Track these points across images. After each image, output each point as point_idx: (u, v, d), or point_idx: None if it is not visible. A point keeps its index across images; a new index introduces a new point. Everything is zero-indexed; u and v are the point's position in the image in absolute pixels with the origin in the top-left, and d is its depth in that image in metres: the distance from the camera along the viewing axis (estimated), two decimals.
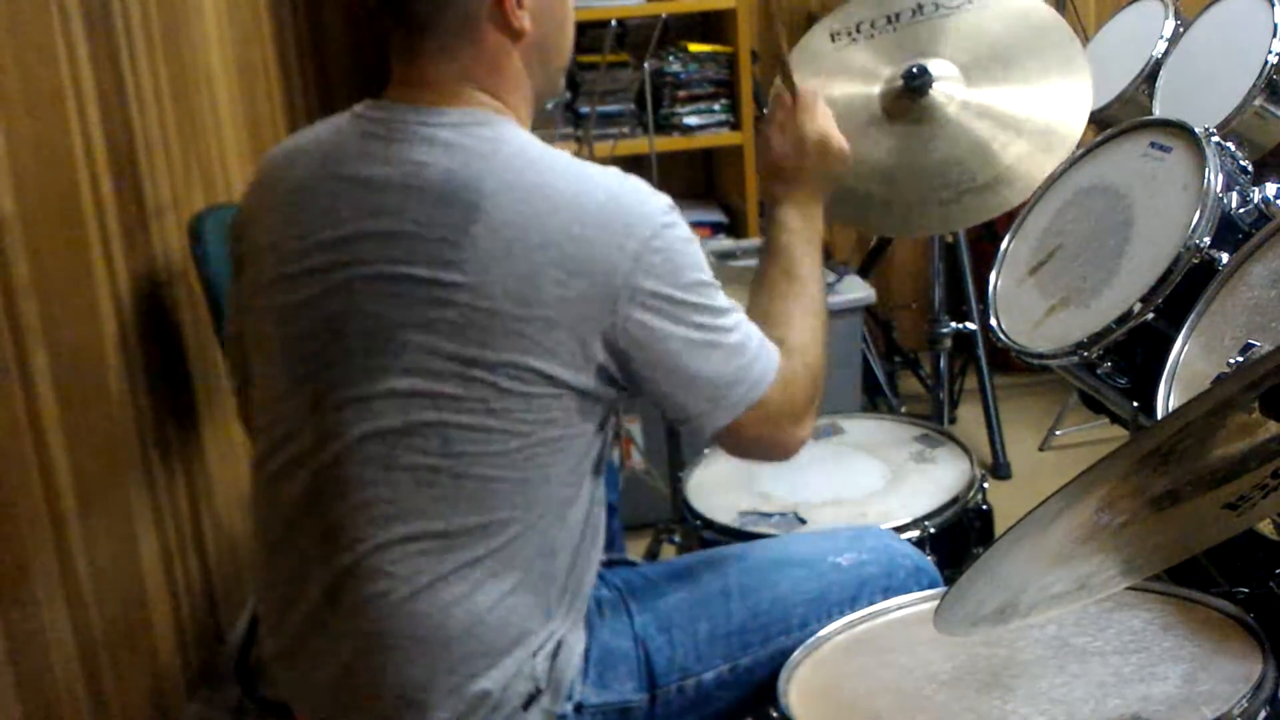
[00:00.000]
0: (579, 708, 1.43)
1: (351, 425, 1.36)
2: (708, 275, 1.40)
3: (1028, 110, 1.99)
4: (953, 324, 3.04)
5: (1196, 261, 1.64)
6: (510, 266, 1.31)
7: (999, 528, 1.90)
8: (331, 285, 1.38)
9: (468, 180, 1.33)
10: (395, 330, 1.34)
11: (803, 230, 1.60)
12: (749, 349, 1.41)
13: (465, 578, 1.35)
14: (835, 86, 2.12)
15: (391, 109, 1.40)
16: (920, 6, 2.15)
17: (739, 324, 1.42)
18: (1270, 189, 1.71)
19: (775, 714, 1.31)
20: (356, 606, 1.37)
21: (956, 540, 1.85)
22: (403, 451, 1.35)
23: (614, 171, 1.39)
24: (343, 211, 1.38)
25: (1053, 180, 1.96)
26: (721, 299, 1.41)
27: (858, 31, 2.18)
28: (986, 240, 3.24)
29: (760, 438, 1.45)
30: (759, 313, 1.51)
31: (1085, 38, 2.96)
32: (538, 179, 1.35)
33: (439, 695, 1.36)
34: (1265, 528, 1.47)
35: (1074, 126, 1.97)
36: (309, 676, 1.44)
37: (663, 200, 1.39)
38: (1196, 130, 1.75)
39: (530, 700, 1.39)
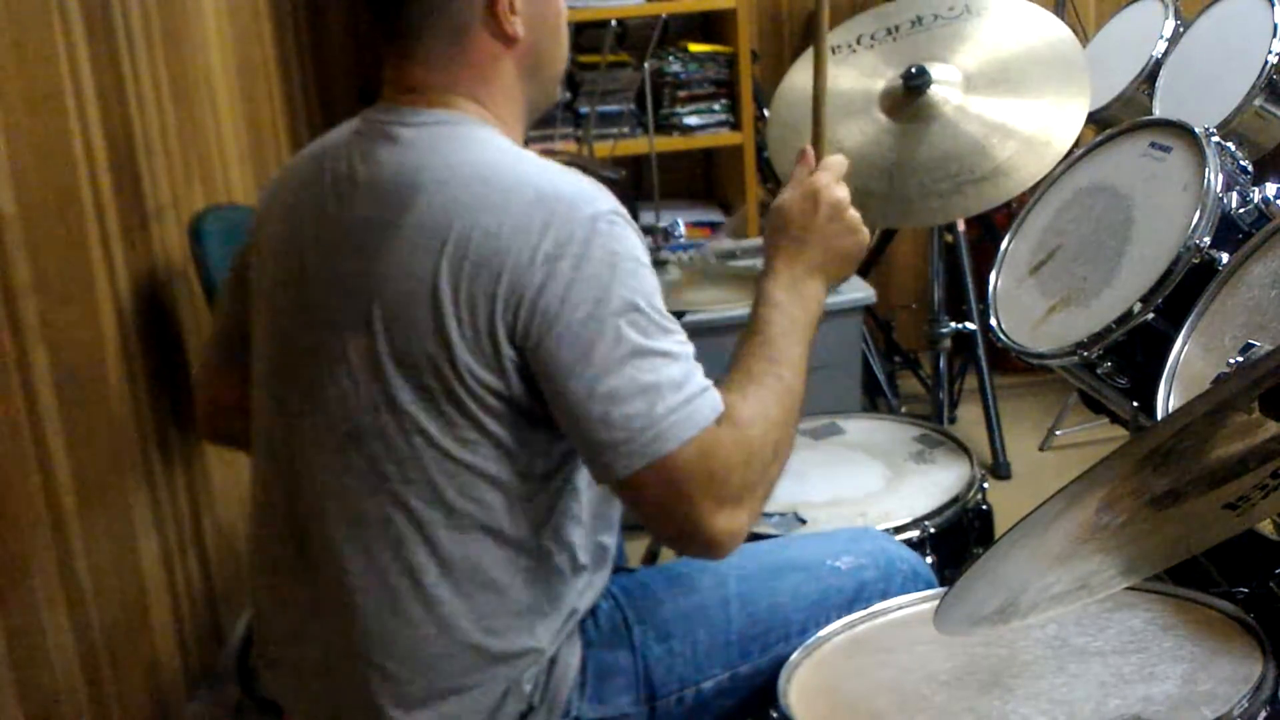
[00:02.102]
0: None
1: (308, 430, 1.35)
2: (645, 304, 1.27)
3: (1021, 120, 2.00)
4: (953, 324, 3.04)
5: (1196, 261, 1.63)
6: (431, 259, 1.28)
7: (999, 528, 1.89)
8: (302, 285, 1.38)
9: (411, 174, 1.32)
10: (337, 329, 1.33)
11: (790, 307, 1.43)
12: (663, 395, 1.25)
13: (434, 595, 1.33)
14: (836, 85, 2.13)
15: (380, 110, 1.40)
16: (919, 18, 2.17)
17: (662, 369, 1.26)
18: (1270, 189, 1.71)
19: (775, 714, 1.31)
20: (336, 621, 1.36)
21: (956, 540, 1.85)
22: (352, 457, 1.33)
23: (564, 173, 1.32)
24: (316, 212, 1.39)
25: (1053, 180, 1.96)
26: (655, 337, 1.27)
27: (858, 43, 2.19)
28: (986, 240, 3.24)
29: (665, 506, 1.27)
30: (720, 379, 1.36)
31: (1085, 38, 2.97)
32: (474, 173, 1.31)
33: (421, 711, 1.35)
34: (1265, 528, 1.47)
35: (1066, 135, 1.98)
36: (298, 685, 1.44)
37: (605, 207, 1.29)
38: (1196, 130, 1.75)
39: (523, 718, 1.37)
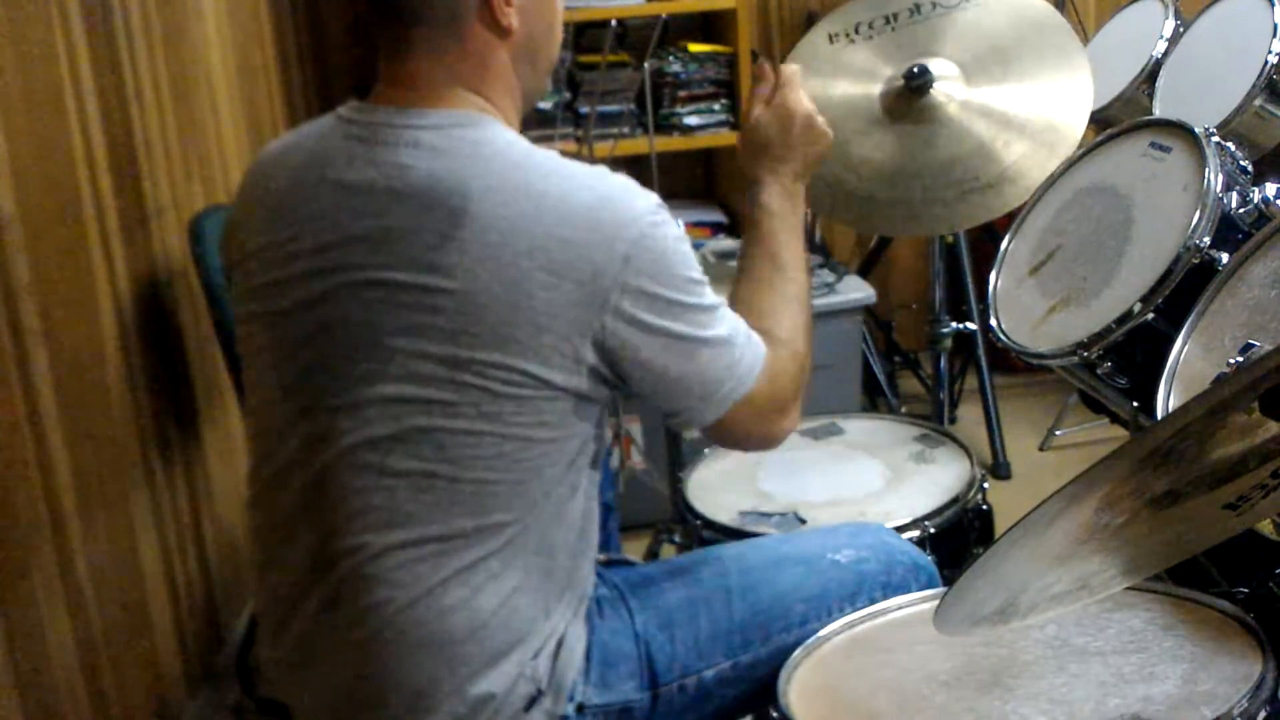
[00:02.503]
0: (581, 708, 1.43)
1: (343, 433, 1.36)
2: (697, 272, 1.39)
3: (1028, 108, 1.99)
4: (953, 324, 3.04)
5: (1196, 261, 1.64)
6: (497, 270, 1.30)
7: (999, 528, 1.89)
8: (318, 291, 1.37)
9: (453, 183, 1.32)
10: (384, 336, 1.33)
11: (787, 214, 1.59)
12: (736, 345, 1.41)
13: (465, 582, 1.35)
14: (836, 87, 2.13)
15: (375, 111, 1.40)
16: (918, 6, 2.15)
17: (725, 319, 1.41)
18: (1270, 189, 1.71)
19: (775, 714, 1.31)
20: (357, 615, 1.37)
21: (956, 540, 1.85)
22: (396, 458, 1.34)
23: (600, 171, 1.38)
24: (327, 216, 1.37)
25: (1053, 180, 1.96)
26: (709, 295, 1.40)
27: (855, 33, 2.18)
28: (986, 240, 3.24)
29: (749, 431, 1.45)
30: (744, 303, 1.51)
31: (1085, 38, 2.96)
32: (523, 180, 1.33)
33: (441, 699, 1.36)
34: (1265, 528, 1.47)
35: (1075, 124, 1.97)
36: (311, 683, 1.44)
37: (650, 199, 1.37)
38: (1196, 130, 1.75)
39: (532, 702, 1.39)
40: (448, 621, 1.35)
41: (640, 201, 1.36)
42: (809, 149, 1.64)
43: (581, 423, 1.39)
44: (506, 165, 1.35)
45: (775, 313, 1.51)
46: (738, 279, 1.56)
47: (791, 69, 1.66)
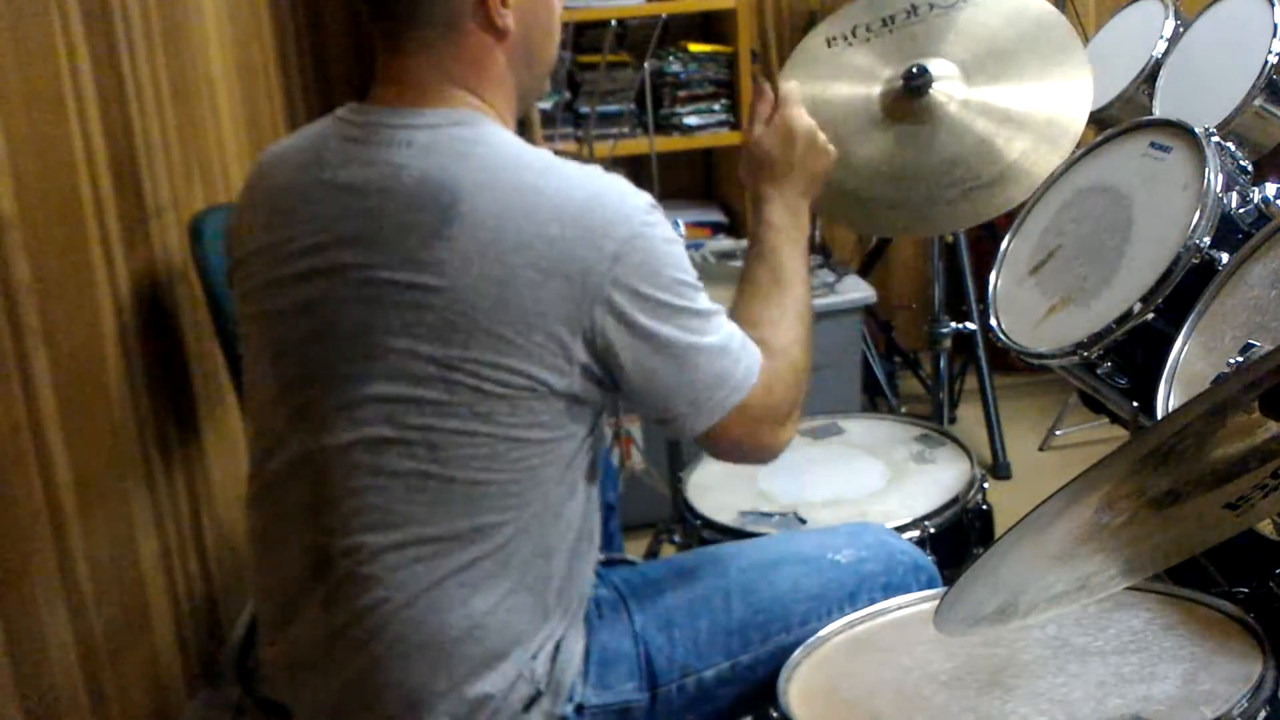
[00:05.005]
0: (580, 709, 1.43)
1: (338, 433, 1.36)
2: (690, 277, 1.38)
3: (1028, 105, 1.99)
4: (953, 324, 3.04)
5: (1196, 261, 1.64)
6: (487, 268, 1.30)
7: (999, 528, 1.90)
8: (314, 291, 1.37)
9: (444, 181, 1.32)
10: (376, 335, 1.34)
11: (790, 229, 1.58)
12: (731, 351, 1.40)
13: (462, 582, 1.35)
14: (835, 89, 2.13)
15: (372, 112, 1.40)
16: (914, 8, 2.15)
17: (721, 326, 1.40)
18: (1270, 189, 1.71)
19: (775, 714, 1.31)
20: (354, 616, 1.37)
21: (956, 540, 1.85)
22: (391, 458, 1.34)
23: (594, 170, 1.38)
24: (324, 217, 1.38)
25: (1053, 180, 1.96)
26: (704, 301, 1.39)
27: (853, 35, 2.18)
28: (986, 240, 3.24)
29: (742, 441, 1.44)
30: (744, 314, 1.50)
31: (1085, 38, 2.96)
32: (515, 178, 1.33)
33: (439, 699, 1.36)
34: (1265, 528, 1.47)
35: (1076, 119, 1.97)
36: (310, 684, 1.44)
37: (643, 199, 1.37)
38: (1196, 130, 1.75)
39: (531, 702, 1.39)
40: (444, 622, 1.35)
41: (632, 201, 1.36)
42: (812, 166, 1.63)
43: (577, 425, 1.38)
44: (499, 163, 1.35)
45: (774, 324, 1.49)
46: (738, 291, 1.55)
47: (790, 86, 1.65)
